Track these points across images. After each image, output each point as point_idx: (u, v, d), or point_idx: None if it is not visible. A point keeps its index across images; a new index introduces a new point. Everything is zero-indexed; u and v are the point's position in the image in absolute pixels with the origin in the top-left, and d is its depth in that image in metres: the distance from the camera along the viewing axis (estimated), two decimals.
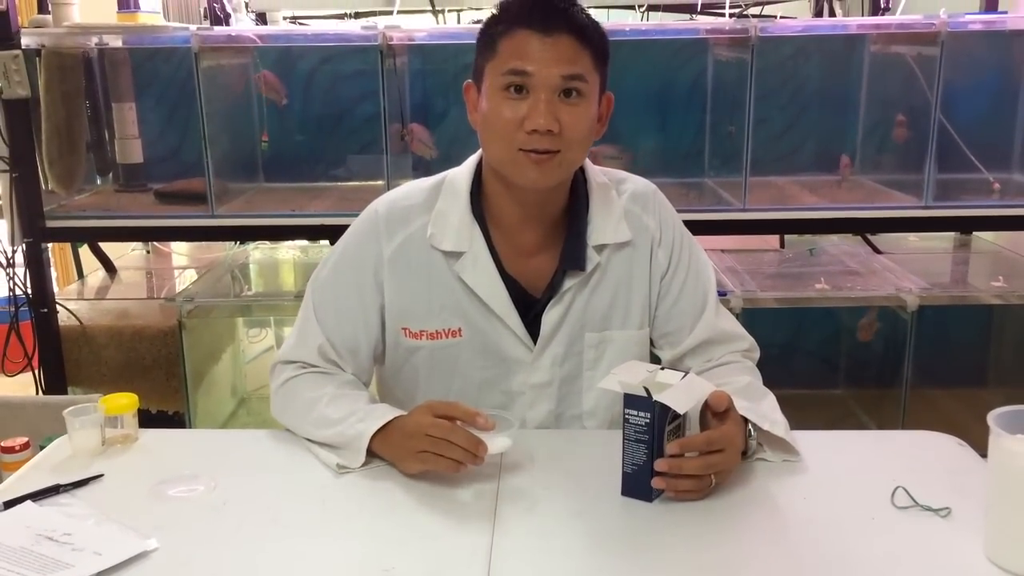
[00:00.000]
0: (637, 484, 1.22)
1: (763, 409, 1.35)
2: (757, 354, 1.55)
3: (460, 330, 1.46)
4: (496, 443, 1.26)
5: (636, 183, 1.52)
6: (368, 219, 1.47)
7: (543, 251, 1.45)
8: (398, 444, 1.29)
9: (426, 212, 1.45)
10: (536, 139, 1.32)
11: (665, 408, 1.19)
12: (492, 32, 1.36)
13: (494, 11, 1.38)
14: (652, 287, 1.49)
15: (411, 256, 1.44)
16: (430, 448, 1.24)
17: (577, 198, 1.45)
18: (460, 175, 1.47)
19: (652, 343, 1.54)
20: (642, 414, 1.20)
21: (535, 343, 1.46)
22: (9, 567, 1.07)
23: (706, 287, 1.52)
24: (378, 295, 1.46)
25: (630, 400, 1.21)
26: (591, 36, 1.34)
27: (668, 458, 1.20)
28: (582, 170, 1.46)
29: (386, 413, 1.33)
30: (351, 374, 1.48)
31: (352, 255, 1.47)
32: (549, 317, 1.44)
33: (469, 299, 1.44)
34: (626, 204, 1.48)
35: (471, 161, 1.48)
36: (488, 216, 1.45)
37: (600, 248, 1.45)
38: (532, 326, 1.45)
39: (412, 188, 1.50)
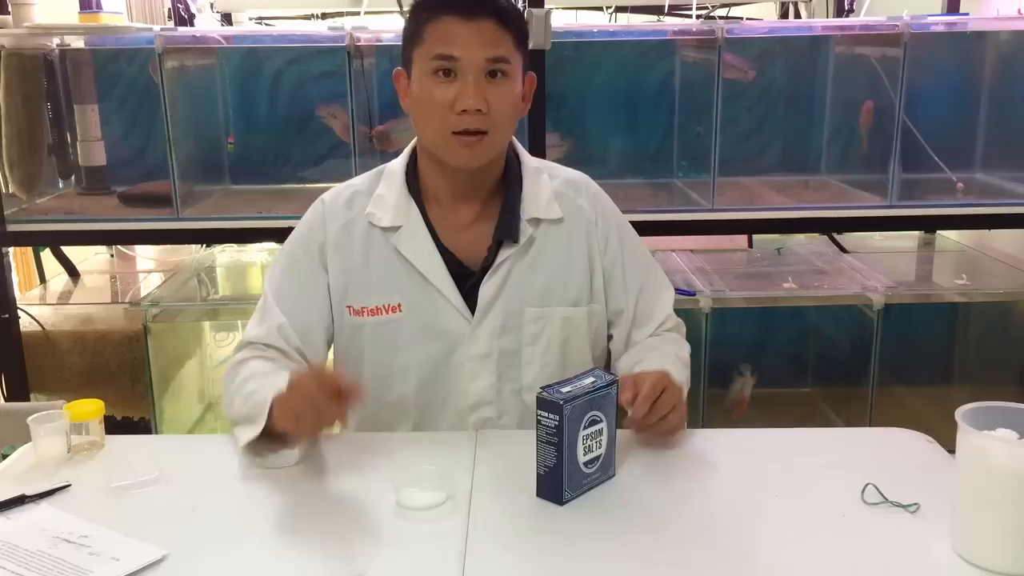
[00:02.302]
0: (550, 486, 1.22)
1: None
2: (683, 330, 1.65)
3: (400, 305, 1.50)
4: (422, 498, 1.21)
5: (571, 172, 1.60)
6: (314, 208, 1.55)
7: (478, 223, 1.51)
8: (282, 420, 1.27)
9: (367, 196, 1.52)
10: (466, 119, 1.39)
11: (577, 412, 1.20)
12: (417, 20, 1.42)
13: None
14: (594, 267, 1.54)
15: (352, 236, 1.51)
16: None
17: (511, 175, 1.52)
18: (397, 162, 1.55)
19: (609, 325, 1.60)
20: (552, 416, 1.20)
21: (473, 316, 1.48)
22: (27, 573, 1.05)
23: (644, 266, 1.59)
24: (324, 275, 1.51)
25: (541, 402, 1.21)
26: (511, 19, 1.41)
27: (638, 421, 1.32)
28: (517, 154, 1.54)
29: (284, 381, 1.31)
30: (308, 358, 1.49)
31: (299, 242, 1.54)
32: (486, 289, 1.49)
33: (407, 272, 1.49)
34: (557, 187, 1.54)
35: (407, 149, 1.54)
36: (424, 193, 1.51)
37: (534, 222, 1.50)
38: (470, 299, 1.49)
39: (356, 178, 1.58)
